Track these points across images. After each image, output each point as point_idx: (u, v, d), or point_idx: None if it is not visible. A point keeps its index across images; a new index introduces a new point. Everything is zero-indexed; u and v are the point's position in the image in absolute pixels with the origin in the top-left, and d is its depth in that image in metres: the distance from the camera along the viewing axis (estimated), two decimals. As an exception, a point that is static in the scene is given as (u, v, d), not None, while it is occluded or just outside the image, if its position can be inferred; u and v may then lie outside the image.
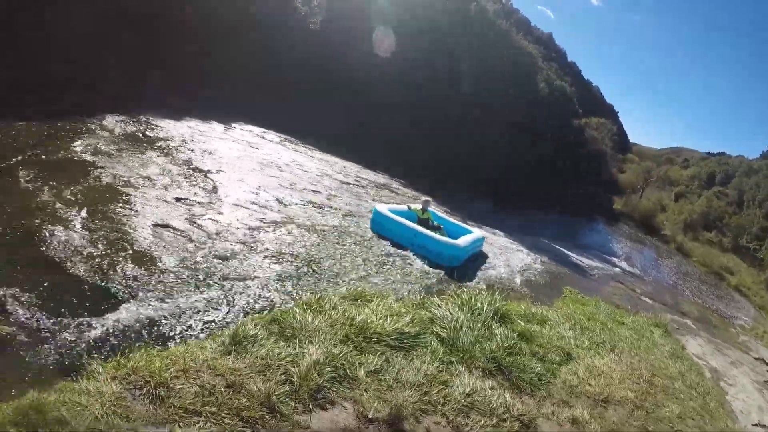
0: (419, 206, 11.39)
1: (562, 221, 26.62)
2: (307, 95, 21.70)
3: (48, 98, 12.69)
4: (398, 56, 24.71)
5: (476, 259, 11.73)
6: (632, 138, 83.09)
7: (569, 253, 18.93)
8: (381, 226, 10.45)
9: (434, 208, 12.84)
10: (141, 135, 12.11)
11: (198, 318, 5.40)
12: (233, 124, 16.64)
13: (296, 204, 10.80)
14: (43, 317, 4.71)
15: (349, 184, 14.92)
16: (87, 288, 5.39)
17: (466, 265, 10.69)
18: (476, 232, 12.06)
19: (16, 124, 10.98)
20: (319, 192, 12.46)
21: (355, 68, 23.58)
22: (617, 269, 21.05)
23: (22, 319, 4.61)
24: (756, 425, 8.91)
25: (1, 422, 3.15)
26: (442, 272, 9.49)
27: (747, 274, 36.40)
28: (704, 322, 17.49)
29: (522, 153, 27.27)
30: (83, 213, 7.20)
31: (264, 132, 17.38)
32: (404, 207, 11.44)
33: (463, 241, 10.69)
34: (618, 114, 69.14)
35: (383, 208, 10.71)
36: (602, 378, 7.09)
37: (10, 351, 4.20)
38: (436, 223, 11.36)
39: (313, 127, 19.66)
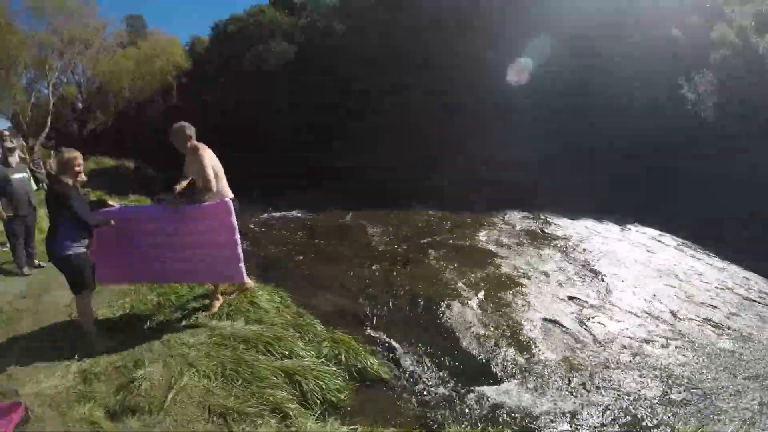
0: None
1: None
2: (709, 195, 19.65)
3: (460, 192, 15.18)
4: None
5: None
6: None
7: None
8: None
9: None
10: (539, 231, 13.19)
11: (560, 417, 5.56)
12: (629, 225, 16.39)
13: (691, 320, 9.88)
14: (421, 371, 5.70)
15: (752, 300, 12.80)
16: (469, 358, 6.39)
17: None
18: None
19: (434, 213, 13.46)
20: (717, 308, 11.10)
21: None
22: None
23: (409, 368, 5.72)
24: None
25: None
26: None
27: None
28: None
29: None
30: (480, 295, 8.38)
31: (660, 235, 16.52)
32: None
33: None
34: None
35: None
36: None
37: (386, 393, 5.32)
38: None
39: (715, 230, 17.71)
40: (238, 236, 5.81)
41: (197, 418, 4.50)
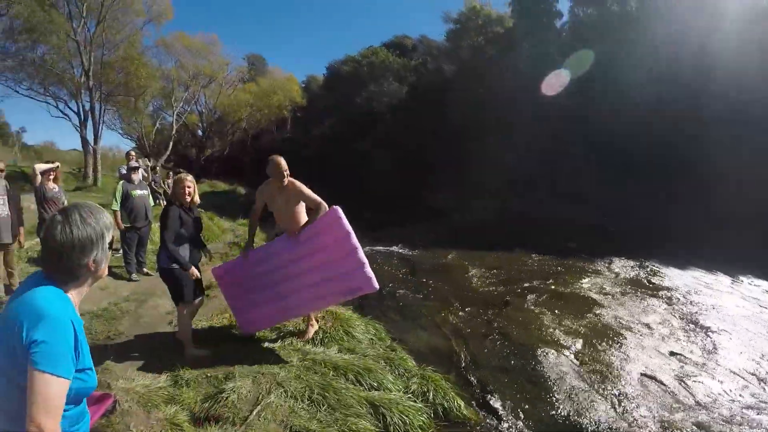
0: None
1: None
2: None
3: (559, 237, 15.28)
4: None
5: None
6: None
7: None
8: None
9: None
10: (645, 281, 13.01)
11: None
12: (741, 277, 15.59)
13: (806, 385, 9.46)
14: (511, 418, 6.16)
15: None
16: (559, 410, 6.52)
17: None
18: None
19: (536, 256, 13.71)
20: (838, 374, 10.45)
21: None
22: None
23: (496, 413, 6.25)
24: None
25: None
26: None
27: None
28: None
29: None
30: (578, 344, 8.59)
31: (774, 289, 15.60)
32: None
33: None
34: None
35: None
36: None
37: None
38: None
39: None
40: (355, 240, 5.78)
41: (277, 436, 5.00)
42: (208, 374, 5.54)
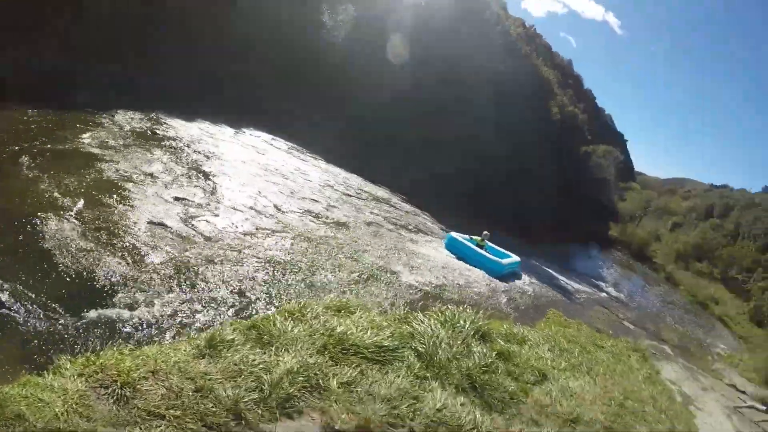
0: (479, 237, 15.19)
1: (558, 244, 26.89)
2: (319, 107, 21.66)
3: (61, 90, 13.06)
4: (414, 74, 24.73)
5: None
6: (638, 167, 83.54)
7: (559, 276, 19.16)
8: (453, 246, 14.51)
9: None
10: (150, 132, 12.38)
11: (177, 319, 5.53)
12: (243, 129, 16.89)
13: (294, 212, 11.04)
14: (19, 306, 4.89)
15: (350, 196, 15.12)
16: (70, 280, 5.61)
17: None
18: (514, 257, 15.61)
19: (34, 112, 11.33)
20: (318, 202, 12.67)
21: (369, 85, 23.58)
22: (604, 294, 21.33)
23: (6, 305, 4.84)
24: None
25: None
26: (429, 288, 9.85)
27: (732, 305, 37.07)
28: (683, 349, 17.81)
29: (527, 176, 27.47)
30: (80, 204, 7.47)
31: (273, 139, 17.59)
32: (467, 236, 15.12)
33: (505, 261, 14.69)
34: (627, 142, 69.74)
35: (456, 235, 14.89)
36: (574, 399, 7.23)
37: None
38: (486, 249, 14.95)
39: (322, 137, 19.83)
40: None
41: None
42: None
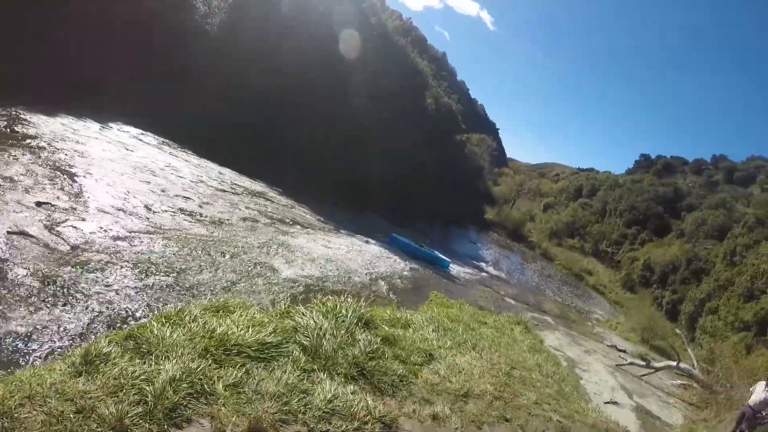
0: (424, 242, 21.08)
1: (435, 229, 28.42)
2: (193, 98, 20.69)
3: None
4: (293, 64, 24.66)
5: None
6: (509, 153, 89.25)
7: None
8: (396, 243, 19.25)
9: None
10: (8, 130, 11.60)
11: (48, 337, 5.37)
12: (110, 124, 16.12)
13: (166, 211, 10.97)
14: None
15: (224, 191, 15.10)
16: None
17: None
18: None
19: None
20: (191, 199, 12.60)
21: (248, 75, 23.21)
22: (484, 274, 23.12)
23: None
24: (608, 402, 10.59)
25: None
26: (309, 280, 10.42)
27: (605, 274, 41.48)
28: (563, 317, 19.85)
29: (405, 166, 28.62)
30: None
31: (142, 134, 16.95)
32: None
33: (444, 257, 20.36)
34: (498, 131, 74.14)
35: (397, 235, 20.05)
36: (463, 374, 7.74)
37: None
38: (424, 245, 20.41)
39: (194, 131, 19.28)
40: None
41: None
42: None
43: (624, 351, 16.36)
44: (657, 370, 14.74)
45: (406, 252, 18.65)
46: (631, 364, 14.81)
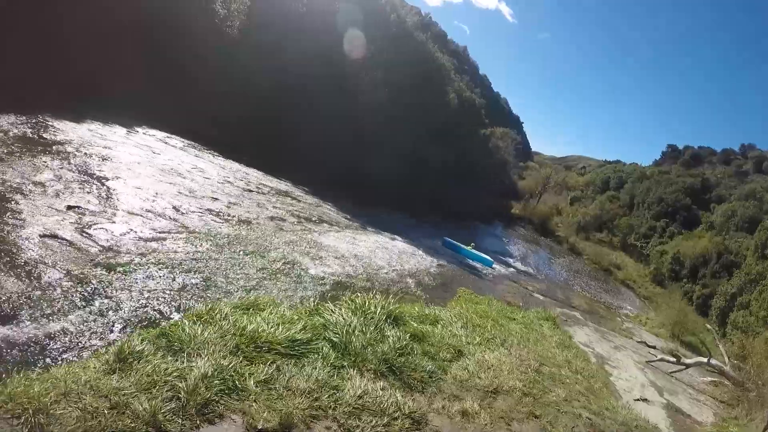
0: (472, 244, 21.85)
1: (462, 225, 28.17)
2: (215, 100, 21.16)
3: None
4: (313, 64, 24.68)
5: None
6: (534, 147, 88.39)
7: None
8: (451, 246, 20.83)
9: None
10: (37, 137, 11.77)
11: (83, 335, 5.40)
12: (136, 128, 16.34)
13: (194, 212, 11.03)
14: None
15: (251, 191, 15.18)
16: None
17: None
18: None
19: None
20: (218, 200, 12.67)
21: (266, 75, 23.37)
22: (512, 269, 22.85)
23: None
24: (638, 399, 10.33)
25: None
26: (337, 278, 10.38)
27: (634, 269, 40.55)
28: (592, 313, 19.46)
29: (428, 162, 28.42)
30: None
31: (168, 137, 17.17)
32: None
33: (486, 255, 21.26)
34: (522, 124, 73.25)
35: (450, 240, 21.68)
36: (492, 371, 7.72)
37: None
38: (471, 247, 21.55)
39: (219, 132, 19.55)
40: None
41: None
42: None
43: (654, 347, 15.94)
44: (687, 366, 14.30)
45: (457, 254, 19.81)
46: (661, 360, 14.47)
